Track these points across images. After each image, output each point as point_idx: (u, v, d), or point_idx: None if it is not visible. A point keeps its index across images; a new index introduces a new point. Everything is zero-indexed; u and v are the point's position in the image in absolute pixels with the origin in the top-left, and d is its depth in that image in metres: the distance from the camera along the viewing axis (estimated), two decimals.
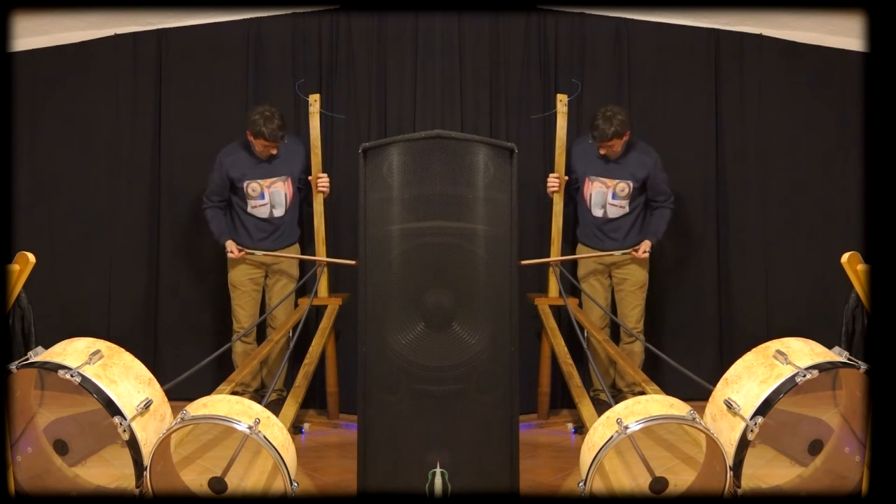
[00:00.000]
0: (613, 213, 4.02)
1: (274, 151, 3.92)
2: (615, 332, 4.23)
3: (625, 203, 4.01)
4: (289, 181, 4.00)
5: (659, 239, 4.05)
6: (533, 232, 4.21)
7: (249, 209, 3.99)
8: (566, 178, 3.97)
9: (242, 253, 3.97)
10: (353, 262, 3.86)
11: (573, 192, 4.13)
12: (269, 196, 3.96)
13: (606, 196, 4.00)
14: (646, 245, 4.01)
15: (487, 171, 2.48)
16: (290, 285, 4.11)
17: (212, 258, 4.32)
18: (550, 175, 3.95)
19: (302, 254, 4.16)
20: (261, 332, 4.21)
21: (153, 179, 4.45)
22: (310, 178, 3.96)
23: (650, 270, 4.15)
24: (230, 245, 3.97)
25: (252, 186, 3.95)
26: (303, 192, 4.10)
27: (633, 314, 4.10)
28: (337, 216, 4.24)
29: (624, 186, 3.98)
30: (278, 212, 4.00)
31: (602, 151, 3.94)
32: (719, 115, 4.49)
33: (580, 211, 4.11)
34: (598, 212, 4.04)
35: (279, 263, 4.09)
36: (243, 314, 4.08)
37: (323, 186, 3.93)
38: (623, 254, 4.02)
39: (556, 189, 3.94)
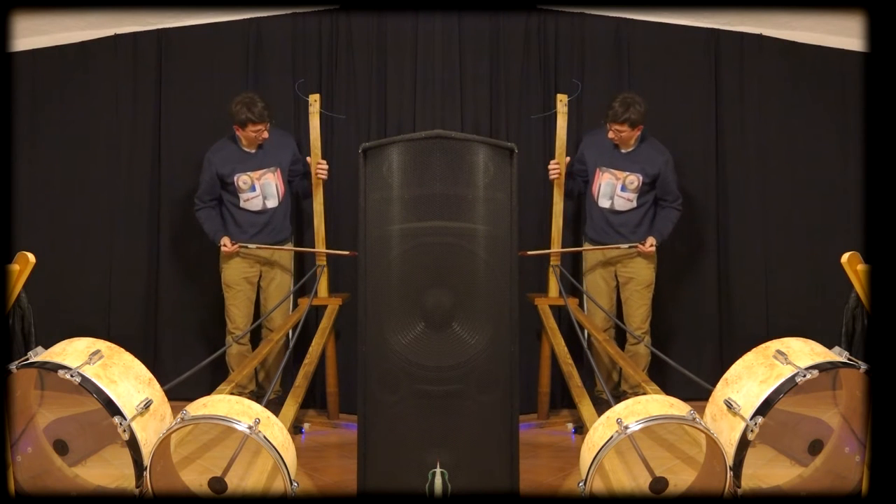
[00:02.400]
0: (620, 205, 4.00)
1: (266, 135, 3.91)
2: (620, 333, 4.20)
3: (633, 196, 3.99)
4: (278, 172, 4.00)
5: (664, 238, 4.03)
6: (533, 232, 4.21)
7: (242, 203, 3.99)
8: (567, 158, 3.94)
9: (236, 246, 3.96)
10: (347, 253, 3.86)
11: (581, 187, 4.12)
12: (261, 188, 3.96)
13: (615, 187, 3.98)
14: (651, 240, 3.98)
15: (487, 171, 2.48)
16: (287, 282, 4.09)
17: (211, 258, 4.31)
18: (551, 161, 3.93)
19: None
20: (255, 333, 4.17)
21: (153, 179, 4.45)
22: (308, 159, 3.96)
23: (655, 271, 4.14)
24: (224, 240, 3.96)
25: (242, 179, 3.95)
26: (293, 186, 4.12)
27: (638, 314, 4.07)
28: (337, 216, 4.24)
29: (634, 179, 3.96)
30: (271, 203, 4.00)
31: (610, 135, 3.92)
32: (719, 115, 4.49)
33: (588, 205, 4.10)
34: (605, 202, 4.02)
35: (275, 261, 4.08)
36: (238, 314, 4.06)
37: (322, 172, 3.92)
38: (630, 247, 3.99)
39: (556, 174, 3.92)
